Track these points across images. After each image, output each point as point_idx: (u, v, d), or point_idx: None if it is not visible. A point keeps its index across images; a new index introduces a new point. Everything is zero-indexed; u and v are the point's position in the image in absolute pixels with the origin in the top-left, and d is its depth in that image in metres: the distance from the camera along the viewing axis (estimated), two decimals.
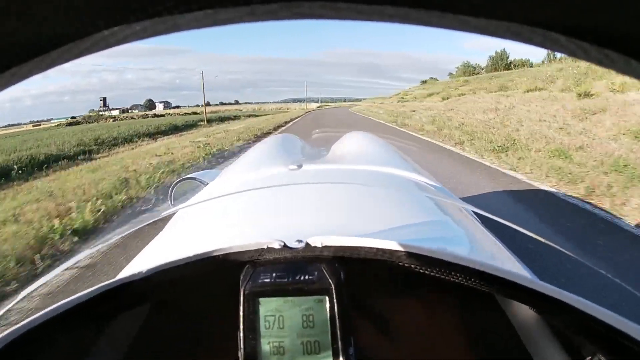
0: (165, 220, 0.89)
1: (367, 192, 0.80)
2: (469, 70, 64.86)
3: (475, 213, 0.81)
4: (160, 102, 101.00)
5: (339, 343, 0.42)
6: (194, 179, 1.36)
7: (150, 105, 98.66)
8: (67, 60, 0.12)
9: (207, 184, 1.25)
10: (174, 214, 0.90)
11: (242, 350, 0.42)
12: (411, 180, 0.97)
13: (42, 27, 0.11)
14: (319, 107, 65.80)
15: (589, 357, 0.38)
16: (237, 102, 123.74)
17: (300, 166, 1.00)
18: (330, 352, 0.42)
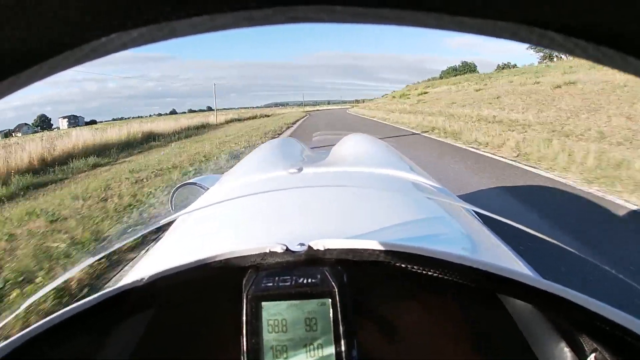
0: (167, 226, 0.89)
1: (368, 194, 0.80)
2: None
3: (477, 213, 0.81)
4: (64, 118, 72.02)
5: (342, 346, 0.41)
6: (194, 184, 1.36)
7: (45, 123, 68.10)
8: (65, 68, 0.12)
9: (208, 189, 1.24)
10: (175, 220, 0.90)
11: (245, 355, 0.42)
12: (412, 182, 0.97)
13: (40, 36, 0.11)
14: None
15: (592, 354, 0.38)
16: (209, 109, 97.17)
17: (300, 169, 1.00)
18: (333, 355, 0.41)
